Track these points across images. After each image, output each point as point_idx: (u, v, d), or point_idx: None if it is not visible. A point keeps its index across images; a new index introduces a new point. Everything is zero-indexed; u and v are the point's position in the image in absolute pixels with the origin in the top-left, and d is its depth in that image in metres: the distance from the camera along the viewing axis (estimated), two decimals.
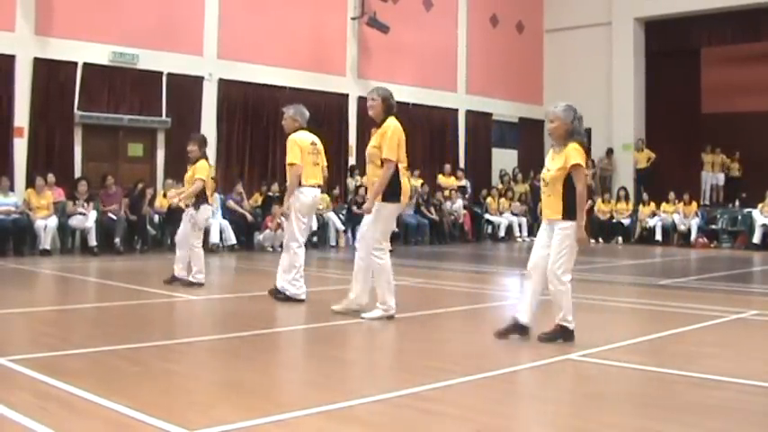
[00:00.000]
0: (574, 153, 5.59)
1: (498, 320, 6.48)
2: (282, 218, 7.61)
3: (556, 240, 5.60)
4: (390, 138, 6.40)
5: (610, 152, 21.16)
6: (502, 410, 4.03)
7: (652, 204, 18.79)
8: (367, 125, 17.60)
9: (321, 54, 17.62)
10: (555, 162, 5.68)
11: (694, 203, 18.53)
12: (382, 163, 6.42)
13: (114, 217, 13.41)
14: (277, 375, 4.89)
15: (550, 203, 5.69)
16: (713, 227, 18.26)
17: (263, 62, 16.56)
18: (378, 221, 6.50)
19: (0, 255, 12.15)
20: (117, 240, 13.28)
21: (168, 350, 5.48)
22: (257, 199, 15.78)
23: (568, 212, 5.61)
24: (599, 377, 4.81)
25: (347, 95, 18.09)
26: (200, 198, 8.76)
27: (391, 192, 6.47)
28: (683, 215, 18.20)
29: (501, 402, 4.20)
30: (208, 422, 3.58)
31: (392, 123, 6.53)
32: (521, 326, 5.76)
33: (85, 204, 13.25)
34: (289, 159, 7.43)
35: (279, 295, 7.60)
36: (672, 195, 18.57)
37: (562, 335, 5.65)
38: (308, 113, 7.81)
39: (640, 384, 4.71)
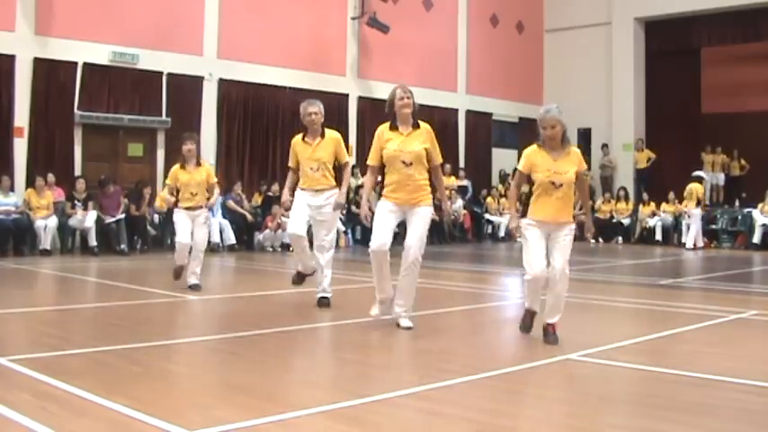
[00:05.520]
0: (582, 158, 5.76)
1: (498, 321, 6.50)
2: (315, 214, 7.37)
3: (566, 241, 5.64)
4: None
5: (604, 146, 21.10)
6: (502, 410, 4.03)
7: (652, 204, 18.78)
8: (367, 125, 17.67)
9: (321, 54, 17.62)
10: (565, 165, 5.65)
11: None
12: (429, 164, 6.36)
13: (114, 222, 13.43)
14: (277, 375, 4.88)
15: (562, 206, 5.66)
16: (713, 227, 18.25)
17: (263, 62, 16.57)
18: (426, 226, 6.28)
19: (0, 255, 12.17)
20: (122, 247, 13.26)
21: (168, 350, 5.48)
22: (257, 199, 15.78)
23: (572, 214, 5.77)
24: (599, 377, 4.81)
25: (347, 95, 18.09)
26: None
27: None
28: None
29: (501, 402, 4.20)
30: (208, 422, 3.57)
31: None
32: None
33: (82, 206, 13.25)
34: (346, 158, 7.44)
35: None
36: (672, 195, 18.57)
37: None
38: None
39: (640, 384, 4.71)
